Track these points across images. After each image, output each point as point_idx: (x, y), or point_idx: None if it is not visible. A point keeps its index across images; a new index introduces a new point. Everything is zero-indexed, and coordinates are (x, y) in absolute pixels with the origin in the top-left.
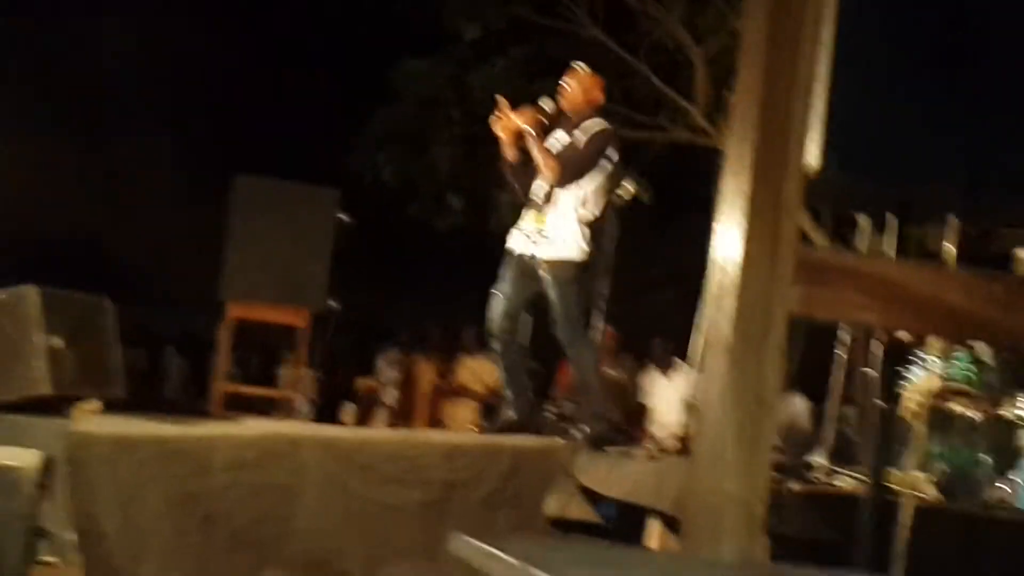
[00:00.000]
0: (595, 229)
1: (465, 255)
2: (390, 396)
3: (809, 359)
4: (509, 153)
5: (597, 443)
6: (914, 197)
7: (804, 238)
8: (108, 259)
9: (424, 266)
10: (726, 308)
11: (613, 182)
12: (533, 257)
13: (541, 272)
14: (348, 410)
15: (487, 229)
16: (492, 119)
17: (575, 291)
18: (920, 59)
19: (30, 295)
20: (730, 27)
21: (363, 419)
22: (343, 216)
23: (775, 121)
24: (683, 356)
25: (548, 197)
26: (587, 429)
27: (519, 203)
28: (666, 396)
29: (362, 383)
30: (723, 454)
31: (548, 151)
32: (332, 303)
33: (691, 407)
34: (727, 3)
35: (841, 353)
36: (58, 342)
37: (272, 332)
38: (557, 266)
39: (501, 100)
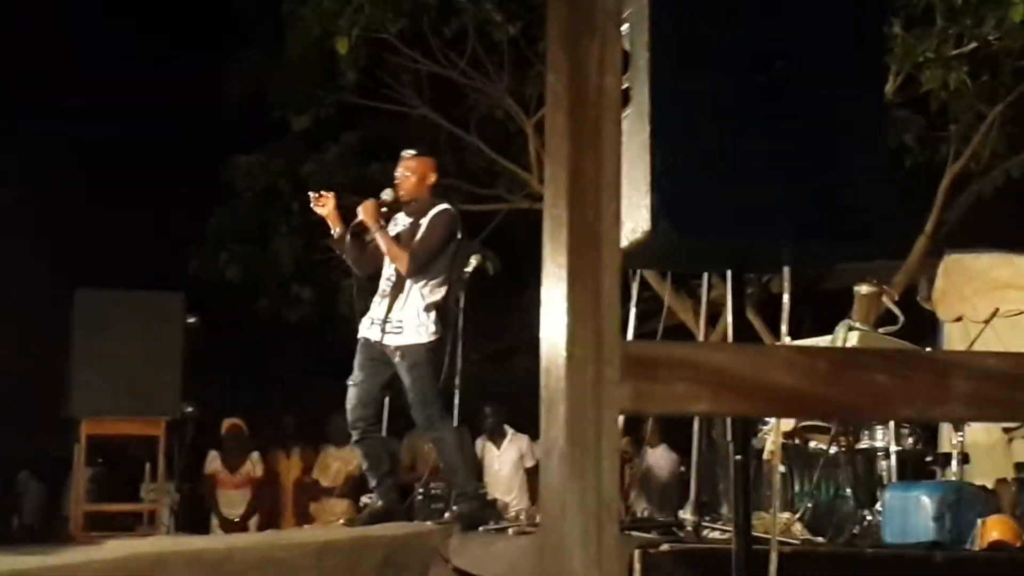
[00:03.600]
0: (443, 308)
1: (318, 344)
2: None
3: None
4: (336, 230)
5: (468, 522)
6: (746, 250)
7: (652, 295)
8: None
9: (278, 359)
10: (556, 416)
11: (458, 261)
12: (384, 344)
13: (393, 358)
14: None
15: (338, 315)
16: (312, 203)
17: (428, 373)
18: (735, 111)
19: None
20: None
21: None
22: (190, 319)
23: (586, 201)
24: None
25: (395, 284)
26: (456, 510)
27: (364, 287)
28: (495, 467)
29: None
30: (570, 563)
31: (396, 243)
32: (188, 408)
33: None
34: None
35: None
36: None
37: (129, 444)
38: (407, 350)
39: (313, 194)
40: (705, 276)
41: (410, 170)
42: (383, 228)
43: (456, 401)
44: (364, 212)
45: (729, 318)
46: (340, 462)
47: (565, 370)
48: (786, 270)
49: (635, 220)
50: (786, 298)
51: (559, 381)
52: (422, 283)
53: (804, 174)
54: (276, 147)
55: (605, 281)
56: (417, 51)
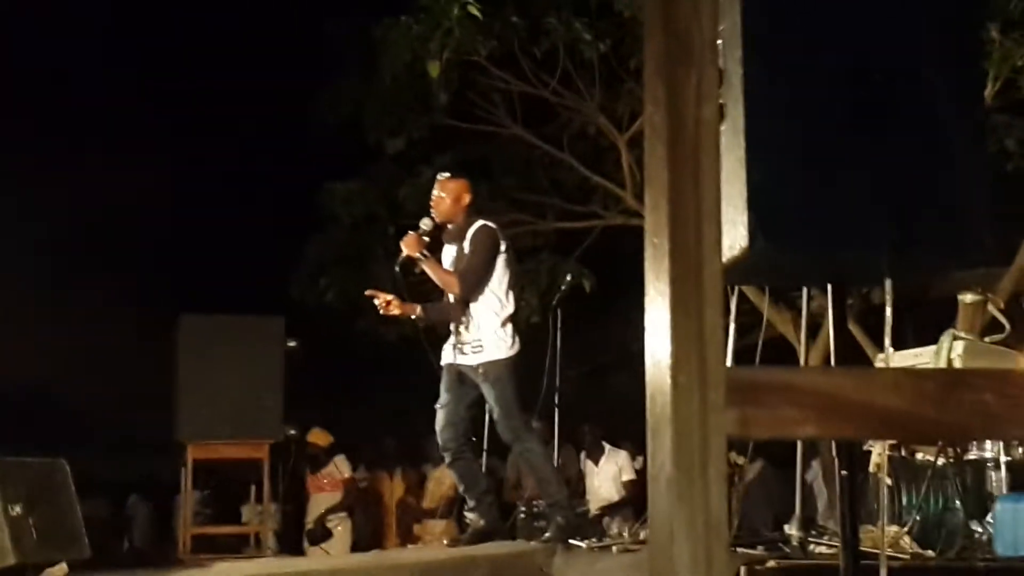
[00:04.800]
0: (515, 320)
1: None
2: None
3: None
4: (413, 313)
5: (564, 533)
6: (845, 264)
7: (751, 308)
8: (58, 408)
9: (377, 380)
10: (663, 441)
11: (513, 272)
12: (466, 365)
13: (476, 377)
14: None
15: (435, 336)
16: (382, 311)
17: (510, 386)
18: (833, 125)
19: None
20: None
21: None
22: (291, 342)
23: (687, 231)
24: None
25: (465, 307)
26: (554, 522)
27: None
28: (595, 483)
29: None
30: None
31: (443, 270)
32: (290, 431)
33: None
34: (642, 87)
35: None
36: (17, 510)
37: (234, 467)
38: (488, 367)
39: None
40: (805, 289)
41: (444, 192)
42: (429, 257)
43: (556, 419)
44: (406, 246)
45: (831, 332)
46: (435, 483)
47: (671, 397)
48: (888, 282)
49: (732, 237)
50: (888, 311)
51: (665, 408)
52: (488, 300)
53: (903, 184)
54: (372, 172)
55: (707, 309)
56: (508, 72)
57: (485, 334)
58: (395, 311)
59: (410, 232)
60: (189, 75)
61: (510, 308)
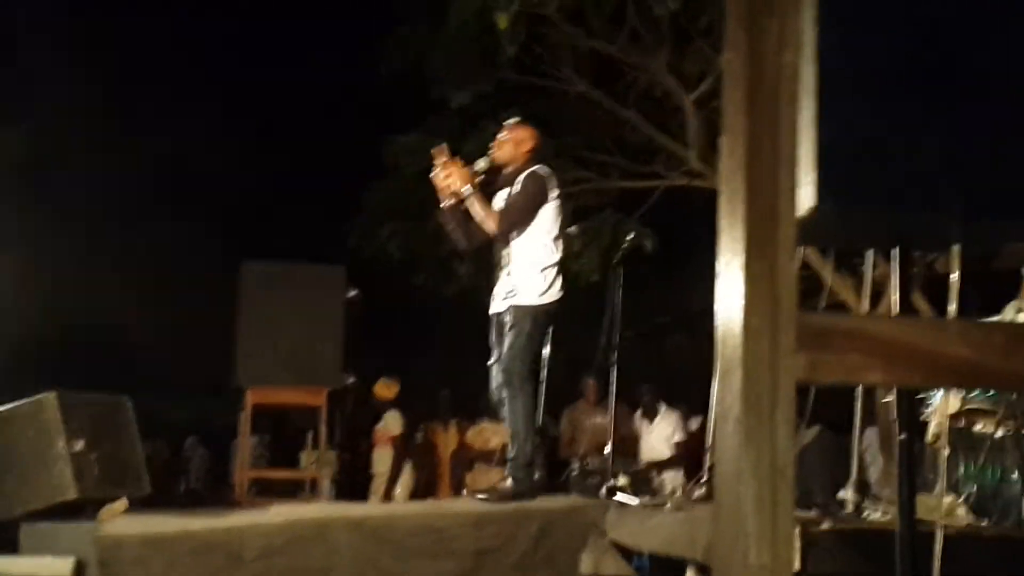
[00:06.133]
0: (562, 271)
1: (474, 318)
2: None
3: (826, 389)
4: (446, 201)
5: (511, 497)
6: (913, 227)
7: (812, 273)
8: (121, 350)
9: (435, 333)
10: (732, 383)
11: (562, 220)
12: (502, 314)
13: (506, 320)
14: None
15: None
16: (433, 174)
17: (526, 335)
18: (904, 86)
19: (48, 402)
20: (717, 70)
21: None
22: (351, 292)
23: (763, 175)
24: (698, 398)
25: (507, 254)
26: (509, 478)
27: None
28: (649, 442)
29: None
30: (744, 528)
31: (485, 206)
32: (349, 379)
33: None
34: (711, 47)
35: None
36: (80, 446)
37: (292, 413)
38: (516, 311)
39: (438, 150)
40: (869, 255)
41: (507, 134)
42: (475, 192)
43: (614, 377)
44: (458, 177)
45: (895, 296)
46: (490, 433)
47: (741, 339)
48: (955, 248)
49: (800, 197)
50: (954, 277)
51: (735, 350)
52: (530, 246)
53: (976, 150)
54: (434, 124)
55: (781, 253)
56: (576, 26)
57: (519, 280)
58: (448, 178)
59: (464, 166)
60: (257, 23)
61: (555, 256)
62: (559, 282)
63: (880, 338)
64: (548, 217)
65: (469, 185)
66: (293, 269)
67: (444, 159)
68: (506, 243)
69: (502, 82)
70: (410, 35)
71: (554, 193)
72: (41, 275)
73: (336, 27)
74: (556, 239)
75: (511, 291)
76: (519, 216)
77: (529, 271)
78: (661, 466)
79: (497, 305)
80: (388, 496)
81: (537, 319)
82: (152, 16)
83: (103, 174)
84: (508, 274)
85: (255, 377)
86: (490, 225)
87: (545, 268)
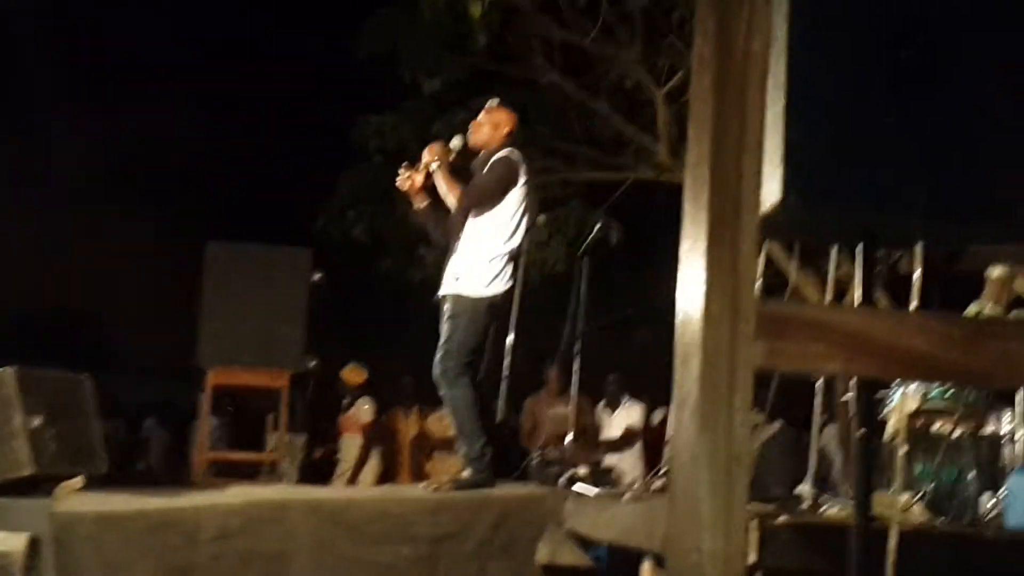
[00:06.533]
0: (515, 260)
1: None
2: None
3: (787, 386)
4: (417, 202)
5: (470, 487)
6: (877, 225)
7: (776, 270)
8: (83, 329)
9: (400, 319)
10: (691, 369)
11: (527, 209)
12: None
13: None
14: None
15: None
16: (398, 180)
17: (463, 328)
18: (874, 84)
19: (6, 377)
20: (688, 65)
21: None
22: (316, 275)
23: (727, 162)
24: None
25: (463, 238)
26: (466, 474)
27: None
28: (610, 432)
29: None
30: (699, 514)
31: (452, 182)
32: (311, 362)
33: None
34: (683, 42)
35: (818, 378)
36: (38, 422)
37: (252, 394)
38: (455, 301)
39: (404, 165)
40: (833, 253)
41: (486, 117)
42: (442, 167)
43: (576, 367)
44: (428, 152)
45: (857, 292)
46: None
47: (701, 325)
48: (918, 247)
49: (766, 191)
50: (916, 275)
51: (695, 335)
52: (485, 231)
53: (941, 150)
54: (406, 109)
55: (744, 241)
56: (549, 18)
57: (464, 267)
58: (408, 183)
59: (438, 142)
60: (225, 5)
61: (510, 245)
62: (508, 273)
63: (840, 329)
64: (512, 203)
65: (437, 161)
66: (258, 250)
67: (426, 161)
68: (463, 223)
69: (474, 69)
70: (384, 19)
71: (523, 179)
72: (4, 253)
73: (311, 9)
74: (516, 228)
75: (456, 276)
76: (484, 196)
77: (477, 257)
78: (612, 449)
79: (442, 287)
80: (353, 482)
81: (477, 311)
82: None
83: (69, 154)
84: (456, 255)
85: (217, 357)
86: (452, 201)
87: (494, 258)
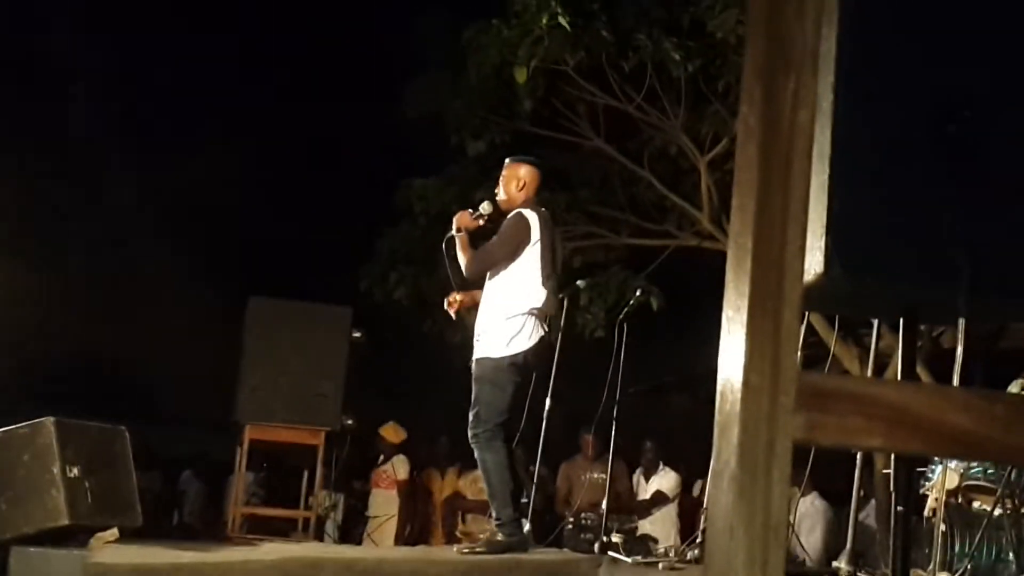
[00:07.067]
0: (540, 317)
1: None
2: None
3: (825, 458)
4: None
5: (499, 550)
6: (920, 299)
7: (818, 341)
8: (122, 381)
9: (438, 380)
10: (730, 439)
11: (546, 265)
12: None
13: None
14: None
15: None
16: (446, 304)
17: (489, 390)
18: (919, 157)
19: (46, 427)
20: (732, 133)
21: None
22: (356, 333)
23: (771, 232)
24: (699, 460)
25: (481, 298)
26: (497, 538)
27: None
28: (645, 500)
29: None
30: None
31: (466, 246)
32: (348, 420)
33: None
34: (727, 110)
35: (858, 452)
36: (75, 472)
37: (289, 451)
38: (478, 364)
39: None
40: (875, 324)
41: (503, 176)
42: (461, 233)
43: (613, 432)
44: (456, 220)
45: (899, 366)
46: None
47: (741, 395)
48: (961, 322)
49: (808, 262)
50: (959, 350)
51: (734, 406)
52: (502, 291)
53: (987, 226)
54: (451, 172)
55: (786, 312)
56: (594, 84)
57: (487, 326)
58: (455, 306)
59: (465, 210)
60: (273, 63)
61: (531, 303)
62: (530, 330)
63: (881, 402)
64: (528, 260)
65: (460, 227)
66: (300, 307)
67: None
68: (481, 286)
69: (519, 132)
70: (431, 83)
71: (535, 235)
72: (46, 302)
73: (360, 68)
74: (538, 285)
75: (478, 338)
76: (489, 259)
77: (495, 317)
78: (646, 514)
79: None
80: (399, 540)
81: (500, 372)
82: (175, 48)
83: (115, 203)
84: (478, 318)
85: (255, 413)
86: (463, 263)
87: (512, 316)
